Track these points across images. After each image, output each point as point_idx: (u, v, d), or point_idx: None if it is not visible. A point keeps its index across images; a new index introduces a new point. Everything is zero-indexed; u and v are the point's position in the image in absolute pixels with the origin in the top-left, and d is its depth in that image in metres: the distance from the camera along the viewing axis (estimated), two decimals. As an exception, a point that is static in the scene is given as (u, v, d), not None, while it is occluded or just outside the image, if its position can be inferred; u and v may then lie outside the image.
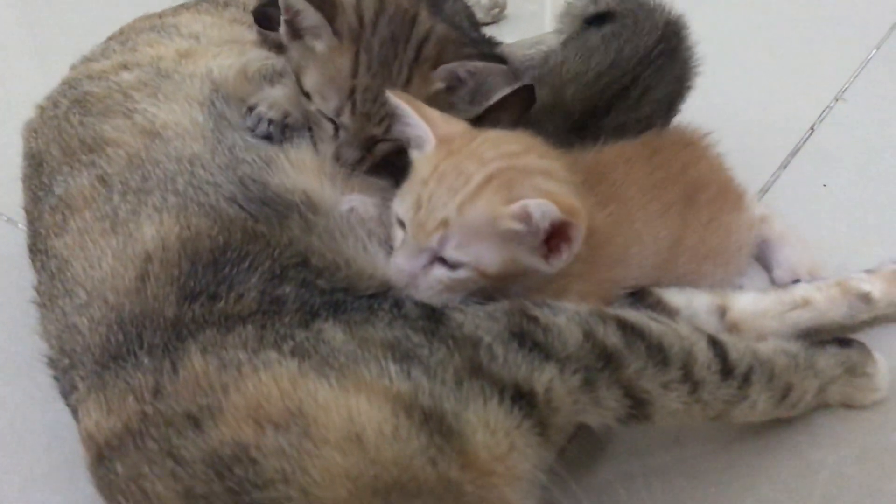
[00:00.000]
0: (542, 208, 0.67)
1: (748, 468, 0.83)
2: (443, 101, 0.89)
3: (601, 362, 0.69)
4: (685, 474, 0.83)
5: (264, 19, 1.04)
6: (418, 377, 0.63)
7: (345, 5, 0.85)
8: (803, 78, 1.49)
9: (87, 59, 1.01)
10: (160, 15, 1.15)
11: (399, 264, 0.73)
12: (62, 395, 0.73)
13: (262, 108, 0.88)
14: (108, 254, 0.73)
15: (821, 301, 0.91)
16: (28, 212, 0.88)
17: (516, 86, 0.89)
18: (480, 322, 0.69)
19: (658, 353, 0.72)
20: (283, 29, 0.87)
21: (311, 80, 0.85)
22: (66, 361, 0.72)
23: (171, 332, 0.67)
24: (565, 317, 0.71)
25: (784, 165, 1.27)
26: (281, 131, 0.88)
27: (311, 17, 0.83)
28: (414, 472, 0.59)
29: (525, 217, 0.68)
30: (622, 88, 1.03)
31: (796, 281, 0.95)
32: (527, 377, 0.66)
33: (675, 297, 0.90)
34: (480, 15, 1.71)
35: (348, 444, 0.59)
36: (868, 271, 0.94)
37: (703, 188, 0.94)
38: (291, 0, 0.83)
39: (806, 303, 0.91)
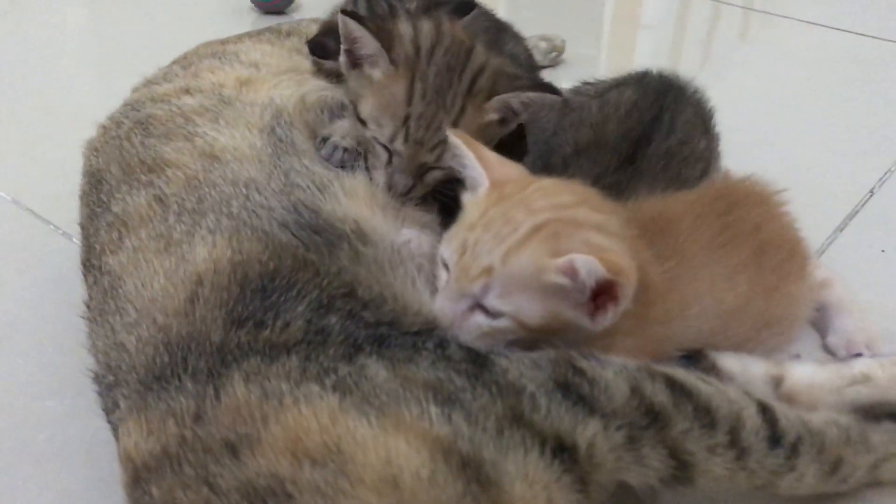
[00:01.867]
0: (589, 265, 0.66)
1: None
2: (494, 132, 0.90)
3: (647, 420, 0.67)
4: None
5: (319, 49, 1.06)
6: (459, 422, 0.62)
7: (403, 36, 0.87)
8: (864, 140, 1.47)
9: (149, 82, 1.03)
10: (223, 42, 1.18)
11: (441, 307, 0.73)
12: (104, 411, 0.74)
13: (336, 139, 0.91)
14: (161, 273, 0.74)
15: (883, 378, 0.87)
16: (84, 227, 0.89)
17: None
18: (525, 370, 0.68)
19: (706, 414, 0.70)
20: (342, 58, 0.89)
21: (367, 108, 0.86)
22: (111, 378, 0.72)
23: (217, 357, 0.67)
24: (613, 371, 0.69)
25: (841, 228, 1.24)
26: (354, 159, 0.90)
27: (369, 45, 0.84)
28: (448, 521, 0.58)
29: (571, 272, 0.67)
30: (654, 118, 1.06)
31: (858, 354, 0.92)
32: (570, 430, 0.64)
33: (730, 362, 0.87)
34: (538, 58, 1.72)
35: (384, 486, 0.58)
36: None
37: (774, 251, 0.91)
38: (351, 28, 0.84)
39: (866, 379, 0.87)
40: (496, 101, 0.87)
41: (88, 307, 0.81)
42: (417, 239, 0.82)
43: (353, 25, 0.85)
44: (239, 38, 1.23)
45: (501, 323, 0.72)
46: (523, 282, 0.70)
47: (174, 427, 0.64)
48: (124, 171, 0.86)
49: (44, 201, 1.29)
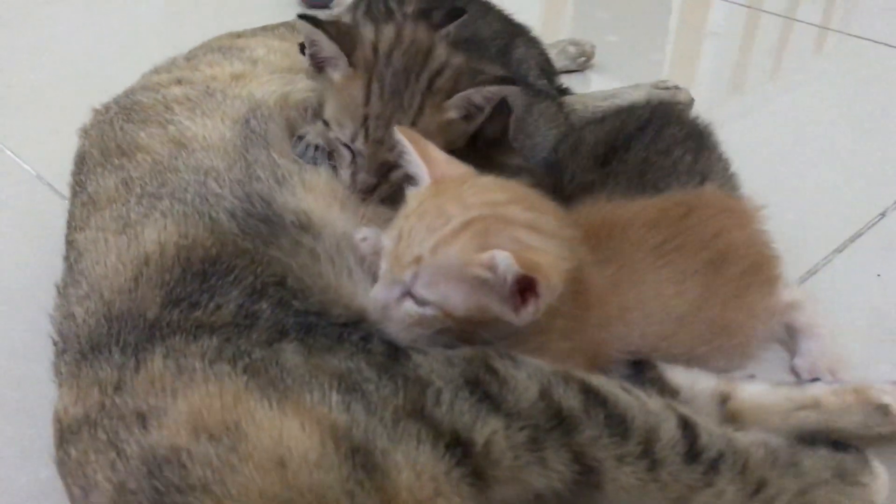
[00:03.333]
0: (507, 261, 0.68)
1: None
2: (458, 129, 0.92)
3: (553, 423, 0.69)
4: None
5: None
6: (357, 411, 0.65)
7: (364, 39, 0.89)
8: (885, 162, 1.43)
9: (153, 70, 1.09)
10: (238, 35, 1.23)
11: (375, 293, 0.75)
12: (55, 373, 0.78)
13: (309, 137, 0.95)
14: (114, 252, 0.79)
15: (833, 405, 0.86)
16: (69, 207, 0.95)
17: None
18: (437, 366, 0.70)
19: (619, 423, 0.71)
20: (306, 61, 0.91)
21: (329, 109, 0.90)
22: (61, 346, 0.78)
23: (146, 332, 0.71)
24: (526, 372, 0.71)
25: (841, 249, 1.21)
26: (326, 157, 0.93)
27: (327, 48, 0.88)
28: (328, 503, 0.61)
29: (492, 267, 0.69)
30: (637, 129, 1.08)
31: (815, 379, 0.90)
32: (468, 426, 0.66)
33: (678, 375, 0.88)
34: (566, 62, 1.73)
35: (270, 465, 0.61)
36: (894, 382, 0.88)
37: (735, 261, 0.91)
38: (308, 32, 0.87)
39: (816, 405, 0.86)
40: (456, 98, 0.89)
41: (60, 281, 0.87)
42: (374, 237, 0.85)
43: (309, 29, 0.88)
44: (254, 31, 1.27)
45: (428, 311, 0.74)
46: (450, 273, 0.72)
47: (97, 395, 0.68)
48: (102, 153, 0.91)
49: (64, 178, 1.36)
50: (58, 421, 0.70)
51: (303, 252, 0.78)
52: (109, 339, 0.72)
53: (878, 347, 1.02)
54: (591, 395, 0.71)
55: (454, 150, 0.85)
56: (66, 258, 0.87)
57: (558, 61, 1.68)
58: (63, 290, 0.83)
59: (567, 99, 1.48)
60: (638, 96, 1.49)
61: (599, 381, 0.74)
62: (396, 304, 0.74)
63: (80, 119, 1.05)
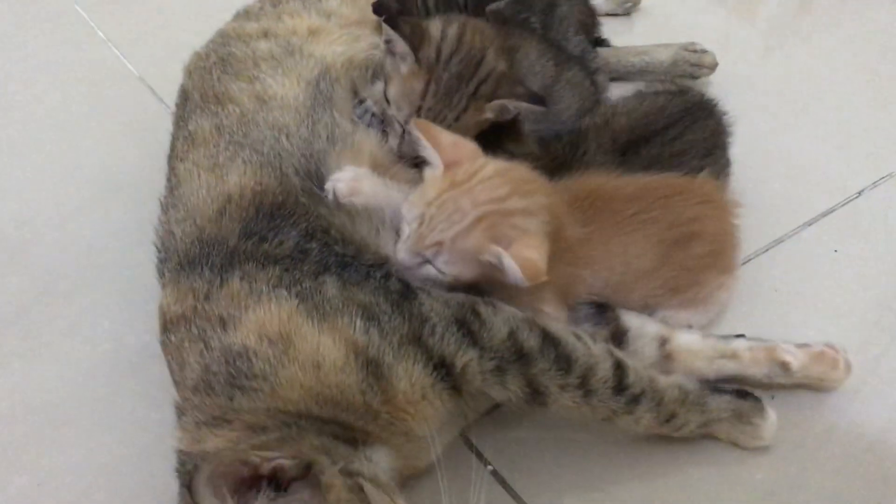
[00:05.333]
0: (508, 260, 0.90)
1: (634, 461, 1.05)
2: (490, 123, 1.13)
3: (514, 357, 0.94)
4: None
5: (384, 11, 1.29)
6: (374, 335, 0.91)
7: (431, 39, 1.09)
8: (873, 141, 1.54)
9: (242, 16, 1.30)
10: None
11: (401, 258, 0.98)
12: (158, 273, 1.06)
13: (368, 103, 1.16)
14: (205, 187, 1.04)
15: (747, 358, 1.09)
16: (172, 132, 1.19)
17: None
18: (436, 306, 0.95)
19: (565, 361, 0.95)
20: (382, 46, 1.12)
21: (392, 91, 1.11)
22: (163, 255, 1.04)
23: (228, 257, 0.97)
24: (502, 318, 0.95)
25: (811, 223, 1.38)
26: (380, 122, 1.16)
27: (400, 45, 1.08)
28: (348, 396, 0.88)
29: (498, 259, 0.92)
30: (663, 127, 1.25)
31: (740, 335, 1.13)
32: (452, 354, 0.92)
33: (630, 319, 1.11)
34: (612, 6, 1.86)
35: (309, 366, 0.88)
36: (799, 345, 1.10)
37: (702, 242, 1.11)
38: (387, 29, 1.08)
39: (734, 356, 1.09)
40: (495, 104, 1.09)
41: (163, 197, 1.12)
42: (350, 183, 1.02)
43: (388, 28, 1.08)
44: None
45: (445, 278, 0.98)
46: (465, 256, 0.95)
47: (192, 300, 0.95)
48: (202, 97, 1.15)
49: (163, 83, 1.57)
50: (162, 313, 0.98)
51: (343, 212, 1.02)
52: (201, 258, 0.98)
53: (812, 315, 1.23)
54: (548, 339, 0.96)
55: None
56: (169, 180, 1.12)
57: (605, 5, 1.83)
58: (165, 209, 1.09)
59: (602, 51, 1.65)
60: (666, 56, 1.65)
61: (557, 327, 0.98)
62: (417, 267, 0.98)
63: (185, 26, 1.24)
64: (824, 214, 1.41)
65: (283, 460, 0.76)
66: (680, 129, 1.25)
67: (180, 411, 0.92)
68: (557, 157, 1.19)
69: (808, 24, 1.89)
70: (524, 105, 1.10)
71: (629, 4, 1.88)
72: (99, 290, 1.23)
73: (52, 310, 1.21)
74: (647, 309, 1.13)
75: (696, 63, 1.64)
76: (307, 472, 0.77)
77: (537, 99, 1.11)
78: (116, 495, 1.02)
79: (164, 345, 0.97)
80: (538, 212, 0.98)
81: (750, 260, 1.31)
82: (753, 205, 1.33)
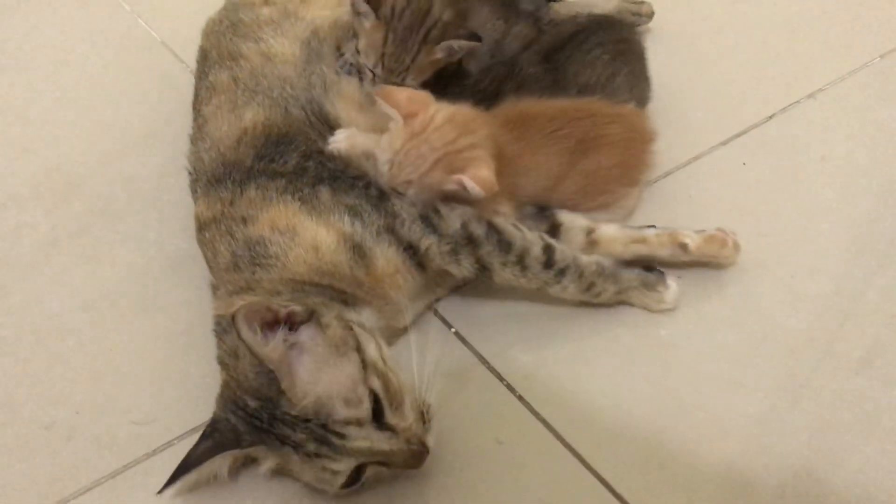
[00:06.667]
0: (471, 185, 1.18)
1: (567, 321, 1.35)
2: (442, 62, 1.41)
3: (465, 241, 1.24)
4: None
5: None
6: (358, 227, 1.21)
7: (386, 1, 1.37)
8: (794, 64, 1.70)
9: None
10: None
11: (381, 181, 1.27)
12: (191, 191, 1.36)
13: (347, 55, 1.44)
14: (226, 124, 1.34)
15: (654, 242, 1.36)
16: (195, 83, 1.49)
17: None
18: (406, 206, 1.24)
19: (506, 245, 1.25)
20: (349, 7, 1.40)
21: (361, 44, 1.39)
22: (195, 176, 1.35)
23: (245, 174, 1.27)
24: (456, 213, 1.25)
25: (725, 143, 1.60)
26: (357, 70, 1.43)
27: (362, 6, 1.36)
28: (340, 270, 1.18)
29: (460, 185, 1.20)
30: (573, 31, 1.51)
31: (651, 226, 1.41)
32: (417, 239, 1.22)
33: (564, 216, 1.37)
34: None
35: (310, 249, 1.18)
36: (697, 231, 1.38)
37: (609, 156, 1.37)
38: None
39: (644, 240, 1.37)
40: (442, 45, 1.36)
41: (192, 134, 1.43)
42: (345, 141, 1.31)
43: None
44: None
45: (418, 201, 1.25)
46: (432, 188, 1.23)
47: (220, 206, 1.26)
48: (219, 55, 1.45)
49: (185, 45, 1.80)
50: (197, 218, 1.29)
51: None
52: (225, 176, 1.28)
53: (720, 217, 1.45)
54: (492, 228, 1.25)
55: (426, 83, 1.37)
56: (195, 120, 1.42)
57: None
58: (194, 141, 1.39)
59: (554, 5, 1.91)
60: (611, 7, 1.91)
61: (499, 220, 1.27)
62: (395, 195, 1.26)
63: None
64: (738, 135, 1.59)
65: (294, 307, 1.06)
66: (587, 34, 1.48)
67: (214, 288, 1.23)
68: (497, 77, 1.45)
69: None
70: (465, 44, 1.37)
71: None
72: (143, 210, 1.54)
73: (109, 225, 1.51)
74: (572, 211, 1.40)
75: (636, 13, 1.90)
76: (311, 317, 1.08)
77: (474, 36, 1.38)
78: (169, 359, 1.33)
79: (201, 241, 1.28)
80: (482, 142, 1.26)
81: (670, 174, 1.55)
82: (674, 125, 1.56)
